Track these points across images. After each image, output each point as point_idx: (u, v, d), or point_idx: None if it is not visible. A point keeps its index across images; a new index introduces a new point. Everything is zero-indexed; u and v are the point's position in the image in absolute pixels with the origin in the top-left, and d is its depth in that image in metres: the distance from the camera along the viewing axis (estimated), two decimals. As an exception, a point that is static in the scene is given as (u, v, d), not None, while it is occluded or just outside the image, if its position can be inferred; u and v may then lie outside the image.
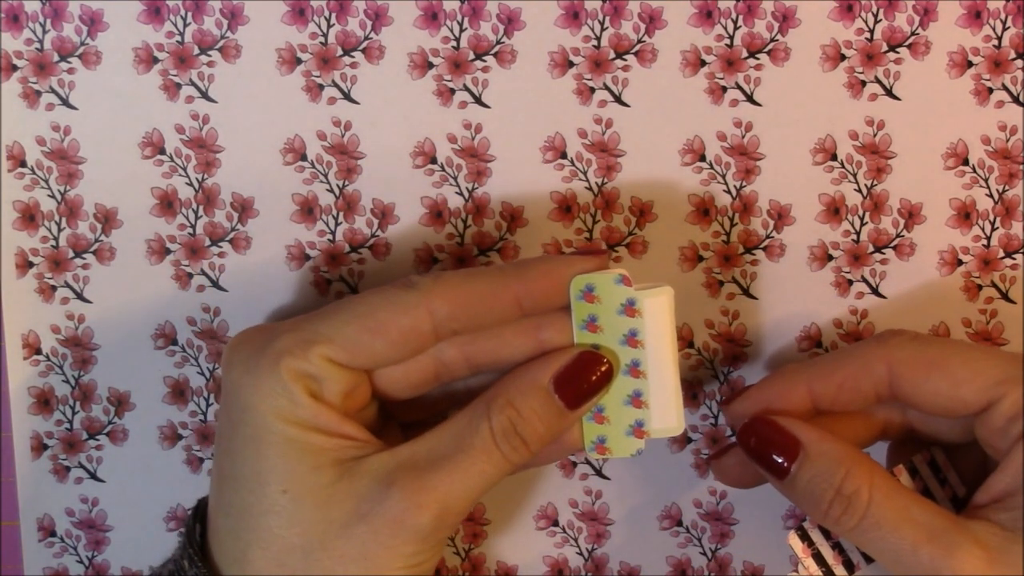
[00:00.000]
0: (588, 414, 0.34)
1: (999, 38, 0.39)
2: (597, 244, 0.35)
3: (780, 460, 0.33)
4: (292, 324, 0.33)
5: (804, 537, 0.34)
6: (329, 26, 0.39)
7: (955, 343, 0.36)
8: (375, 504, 0.31)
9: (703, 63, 0.39)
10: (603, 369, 0.33)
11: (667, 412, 0.34)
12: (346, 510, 0.31)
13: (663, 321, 0.33)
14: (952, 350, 0.33)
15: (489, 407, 0.33)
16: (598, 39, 0.39)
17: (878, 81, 0.39)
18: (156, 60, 0.39)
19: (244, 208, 0.40)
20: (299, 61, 0.39)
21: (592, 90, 0.39)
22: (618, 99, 0.39)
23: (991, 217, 0.40)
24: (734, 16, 0.39)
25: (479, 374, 0.35)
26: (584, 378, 0.33)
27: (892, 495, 0.32)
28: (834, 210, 0.40)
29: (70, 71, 0.39)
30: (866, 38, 0.39)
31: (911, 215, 0.40)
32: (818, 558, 0.34)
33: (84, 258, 0.40)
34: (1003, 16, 0.39)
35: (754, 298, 0.40)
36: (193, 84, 0.39)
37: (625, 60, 0.39)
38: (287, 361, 0.32)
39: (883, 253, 0.40)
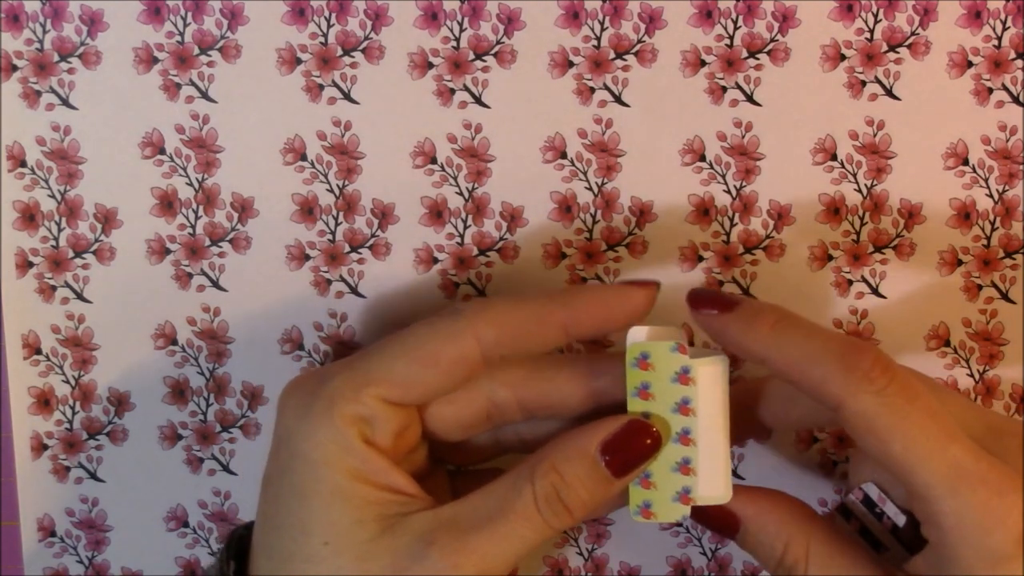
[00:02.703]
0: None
1: (999, 38, 0.39)
2: (647, 282, 0.34)
3: (723, 529, 0.34)
4: (343, 365, 0.33)
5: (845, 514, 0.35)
6: (329, 26, 0.39)
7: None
8: (413, 563, 0.31)
9: (703, 63, 0.39)
10: (651, 440, 0.33)
11: (715, 480, 0.33)
12: (384, 567, 0.31)
13: (716, 390, 0.33)
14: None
15: (533, 471, 0.32)
16: (598, 39, 0.39)
17: (878, 81, 0.39)
18: (156, 60, 0.39)
19: (244, 208, 0.40)
20: (299, 61, 0.39)
21: (592, 90, 0.39)
22: (618, 99, 0.39)
23: (991, 217, 0.40)
24: (734, 16, 0.39)
25: (531, 419, 0.35)
26: (632, 447, 0.33)
27: (828, 563, 0.32)
28: (834, 210, 0.40)
29: (70, 71, 0.39)
30: (866, 38, 0.39)
31: (911, 215, 0.40)
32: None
33: (84, 258, 0.40)
34: (1003, 16, 0.39)
35: (754, 298, 0.40)
36: (193, 84, 0.39)
37: (625, 60, 0.39)
38: (340, 406, 0.32)
39: (883, 253, 0.40)
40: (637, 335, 0.33)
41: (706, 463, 0.33)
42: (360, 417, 0.32)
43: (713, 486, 0.33)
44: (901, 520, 0.33)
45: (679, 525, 0.42)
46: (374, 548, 0.31)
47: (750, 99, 0.39)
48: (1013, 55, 0.39)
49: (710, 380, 0.33)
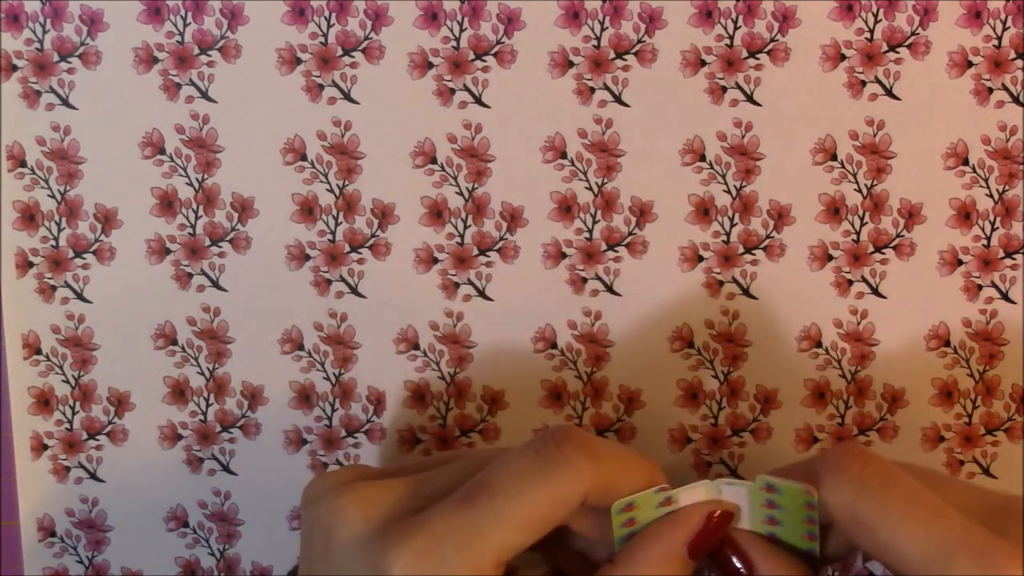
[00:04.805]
0: (621, 522, 0.32)
1: (999, 38, 0.39)
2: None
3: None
4: (455, 510, 0.30)
5: None
6: (329, 26, 0.39)
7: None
8: None
9: (703, 63, 0.39)
10: (729, 522, 0.32)
11: None
12: None
13: (700, 498, 0.32)
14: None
15: None
16: (598, 39, 0.39)
17: (878, 81, 0.39)
18: (156, 60, 0.39)
19: (244, 208, 0.40)
20: (299, 61, 0.39)
21: (592, 90, 0.39)
22: (618, 99, 0.39)
23: (991, 217, 0.40)
24: (734, 16, 0.39)
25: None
26: (715, 538, 0.32)
27: None
28: (834, 210, 0.40)
29: (70, 71, 0.39)
30: (866, 38, 0.39)
31: (911, 215, 0.40)
32: None
33: (84, 258, 0.40)
34: (1003, 16, 0.39)
35: (754, 298, 0.40)
36: (193, 84, 0.39)
37: (625, 60, 0.39)
38: (475, 561, 0.29)
39: (883, 253, 0.40)
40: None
41: None
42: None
43: None
44: None
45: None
46: None
47: (750, 99, 0.39)
48: (1013, 55, 0.39)
49: (693, 499, 0.32)
